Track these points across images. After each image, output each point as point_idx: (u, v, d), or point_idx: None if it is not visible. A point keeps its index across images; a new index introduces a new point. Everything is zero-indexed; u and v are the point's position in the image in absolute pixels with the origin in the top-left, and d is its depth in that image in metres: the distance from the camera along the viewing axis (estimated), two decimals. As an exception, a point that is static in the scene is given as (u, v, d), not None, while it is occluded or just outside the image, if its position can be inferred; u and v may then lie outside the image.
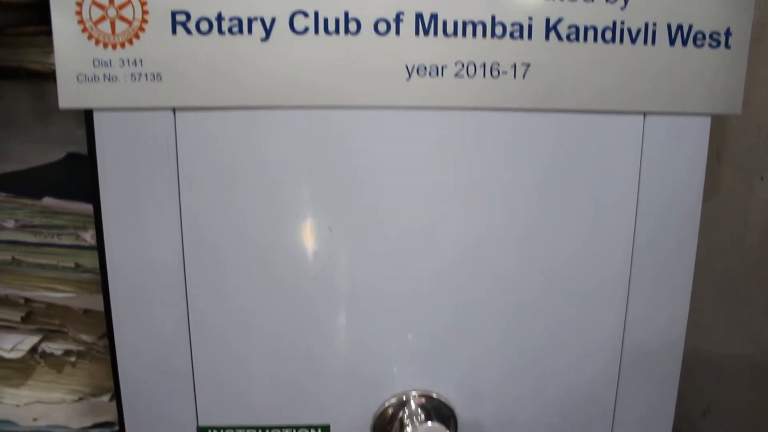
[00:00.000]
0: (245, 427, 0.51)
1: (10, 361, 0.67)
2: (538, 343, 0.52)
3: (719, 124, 0.60)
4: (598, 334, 0.52)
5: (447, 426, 0.48)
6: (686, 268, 0.52)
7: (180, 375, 0.50)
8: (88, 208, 0.50)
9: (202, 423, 0.51)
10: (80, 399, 0.67)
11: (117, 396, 0.51)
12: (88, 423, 0.64)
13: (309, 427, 0.51)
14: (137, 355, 0.49)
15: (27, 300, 0.65)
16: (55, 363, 0.68)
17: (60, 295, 0.63)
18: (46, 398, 0.67)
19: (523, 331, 0.51)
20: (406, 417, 0.50)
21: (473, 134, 0.48)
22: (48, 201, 0.59)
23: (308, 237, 0.48)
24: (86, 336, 0.66)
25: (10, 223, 0.62)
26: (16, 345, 0.65)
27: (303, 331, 0.49)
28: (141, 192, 0.46)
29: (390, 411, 0.51)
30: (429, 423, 0.46)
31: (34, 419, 0.65)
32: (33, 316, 0.66)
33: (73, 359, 0.67)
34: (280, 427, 0.51)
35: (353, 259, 0.49)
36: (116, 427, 0.65)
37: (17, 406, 0.66)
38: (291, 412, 0.51)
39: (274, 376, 0.50)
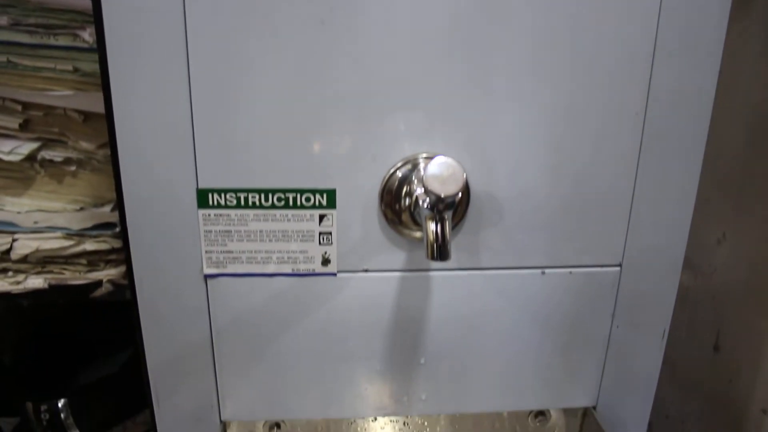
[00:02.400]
0: (247, 190, 0.49)
1: (10, 170, 0.66)
2: (556, 110, 0.49)
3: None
4: (620, 105, 0.49)
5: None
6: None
7: (180, 136, 0.47)
8: (86, 4, 0.47)
9: (202, 185, 0.48)
10: (81, 209, 0.66)
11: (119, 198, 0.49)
12: (89, 224, 0.63)
13: (314, 192, 0.49)
14: (140, 166, 0.47)
15: (24, 107, 0.63)
16: (56, 173, 0.66)
17: (57, 94, 0.60)
18: (46, 207, 0.66)
19: (540, 93, 0.48)
20: (415, 181, 0.47)
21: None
22: (42, -6, 0.56)
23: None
24: (86, 143, 0.64)
25: (4, 20, 0.59)
26: (14, 149, 0.64)
27: (309, 84, 0.47)
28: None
29: (399, 175, 0.49)
30: (441, 157, 0.44)
31: (35, 222, 0.64)
32: (31, 125, 0.64)
33: (73, 168, 0.65)
34: (284, 191, 0.49)
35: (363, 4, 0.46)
36: (117, 228, 0.64)
37: (18, 213, 0.65)
38: (295, 175, 0.49)
39: (278, 133, 0.48)
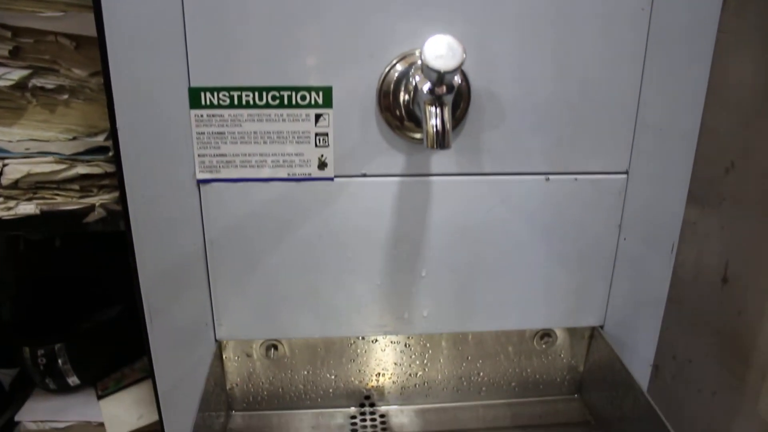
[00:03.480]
0: (240, 89, 0.47)
1: (1, 99, 0.64)
2: (560, 4, 0.47)
3: None
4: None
5: (456, 92, 0.44)
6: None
7: (171, 32, 0.45)
8: None
9: (194, 84, 0.47)
10: (74, 138, 0.64)
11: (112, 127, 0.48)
12: (81, 149, 0.61)
13: (310, 89, 0.48)
14: (131, 71, 0.46)
15: (15, 33, 0.61)
16: (48, 103, 0.65)
17: (47, 15, 0.59)
18: (38, 136, 0.64)
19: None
20: (414, 74, 0.46)
21: None
22: None
23: None
24: (79, 71, 0.63)
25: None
26: (4, 74, 0.62)
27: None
28: None
29: (397, 70, 0.47)
30: (439, 34, 0.42)
31: (26, 149, 0.62)
32: (22, 53, 0.62)
33: (65, 97, 0.64)
34: (279, 89, 0.47)
35: None
36: (110, 153, 0.62)
37: (9, 142, 0.63)
38: (290, 73, 0.47)
39: (272, 28, 0.46)
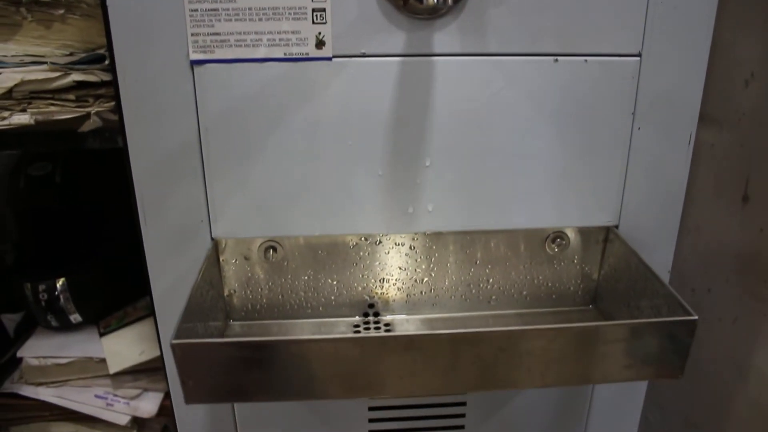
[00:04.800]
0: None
1: (-6, 16, 0.63)
2: None
3: None
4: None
5: None
6: None
7: None
8: None
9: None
10: (71, 54, 0.63)
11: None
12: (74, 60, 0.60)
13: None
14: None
15: (7, -54, 0.60)
16: (44, 18, 0.64)
17: None
18: (34, 52, 0.63)
19: None
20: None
21: None
22: None
23: None
24: (73, -18, 0.61)
25: None
26: (-2, -15, 0.61)
27: None
28: None
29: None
30: None
31: (21, 59, 0.61)
32: (15, -35, 0.61)
33: (61, 12, 0.62)
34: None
35: None
36: (106, 61, 0.61)
37: (4, 56, 0.62)
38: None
39: None
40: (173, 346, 0.41)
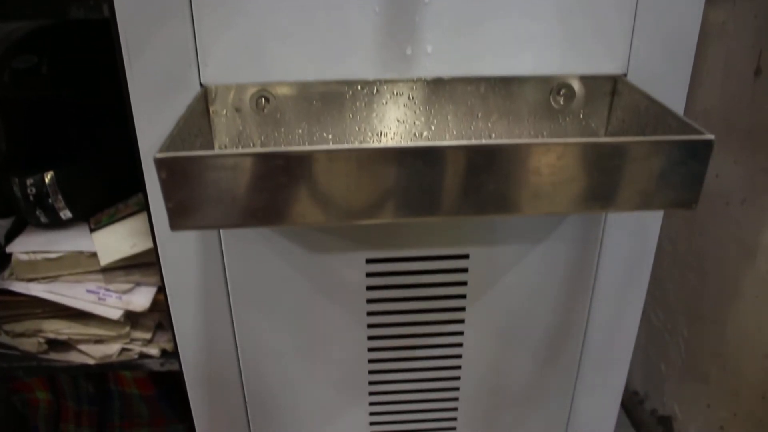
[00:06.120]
0: None
1: None
2: None
3: None
4: None
5: None
6: None
7: None
8: None
9: None
10: None
11: None
12: None
13: None
14: None
15: None
16: None
17: None
18: None
19: None
20: None
21: None
22: None
23: None
24: None
25: None
26: None
27: None
28: None
29: None
30: None
31: None
32: None
33: None
34: None
35: None
36: None
37: None
38: None
39: None
40: (157, 162, 0.38)
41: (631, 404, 1.01)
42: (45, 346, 0.75)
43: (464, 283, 0.57)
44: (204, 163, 0.39)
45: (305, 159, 0.38)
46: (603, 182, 0.41)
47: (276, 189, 0.39)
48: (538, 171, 0.40)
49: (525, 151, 0.40)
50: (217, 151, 0.50)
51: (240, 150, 0.42)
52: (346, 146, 0.40)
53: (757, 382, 0.70)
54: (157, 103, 0.50)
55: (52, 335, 0.75)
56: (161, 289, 0.72)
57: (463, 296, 0.58)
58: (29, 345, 0.75)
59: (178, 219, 0.40)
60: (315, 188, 0.39)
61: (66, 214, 0.76)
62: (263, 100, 0.52)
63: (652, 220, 0.57)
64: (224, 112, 0.52)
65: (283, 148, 0.40)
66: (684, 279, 0.83)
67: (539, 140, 0.40)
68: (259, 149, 0.40)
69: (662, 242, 0.86)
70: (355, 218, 0.41)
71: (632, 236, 0.57)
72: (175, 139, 0.41)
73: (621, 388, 0.66)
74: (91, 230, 0.76)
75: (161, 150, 0.38)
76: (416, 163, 0.39)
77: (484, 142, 0.40)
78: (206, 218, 0.40)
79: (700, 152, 0.41)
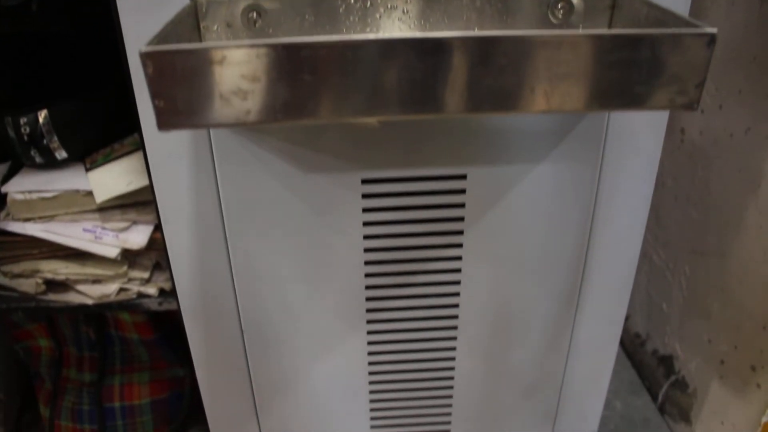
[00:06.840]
0: None
1: None
2: None
3: None
4: None
5: None
6: None
7: None
8: None
9: None
10: None
11: None
12: None
13: None
14: None
15: None
16: None
17: None
18: None
19: None
20: None
21: None
22: None
23: None
24: None
25: None
26: None
27: None
28: None
29: None
30: None
31: None
32: None
33: None
34: None
35: None
36: None
37: None
38: None
39: None
40: (143, 56, 0.37)
41: (632, 347, 1.01)
42: (43, 287, 0.75)
43: (462, 205, 0.56)
44: (191, 56, 0.38)
45: (294, 50, 0.37)
46: (602, 78, 0.40)
47: (268, 83, 0.38)
48: (535, 65, 0.39)
49: (521, 43, 0.39)
50: (203, 43, 0.49)
51: (227, 42, 0.41)
52: (335, 37, 0.38)
53: (759, 312, 0.69)
54: (147, 18, 0.49)
55: (49, 275, 0.75)
56: (158, 228, 0.72)
57: (461, 219, 0.57)
58: (27, 286, 0.75)
59: (167, 117, 0.39)
60: (305, 82, 0.38)
61: (61, 154, 0.76)
62: (255, 14, 0.51)
63: (654, 138, 0.56)
64: (215, 27, 0.51)
65: (272, 40, 0.39)
66: (686, 215, 0.83)
67: (535, 32, 0.39)
68: (246, 41, 0.38)
69: (665, 179, 0.85)
70: (347, 115, 0.40)
71: (633, 153, 0.56)
72: (162, 39, 0.40)
73: (621, 318, 0.66)
74: (87, 170, 0.76)
75: (149, 44, 0.37)
76: (410, 55, 0.38)
77: (481, 33, 0.38)
78: (195, 117, 0.39)
79: (702, 47, 0.40)
